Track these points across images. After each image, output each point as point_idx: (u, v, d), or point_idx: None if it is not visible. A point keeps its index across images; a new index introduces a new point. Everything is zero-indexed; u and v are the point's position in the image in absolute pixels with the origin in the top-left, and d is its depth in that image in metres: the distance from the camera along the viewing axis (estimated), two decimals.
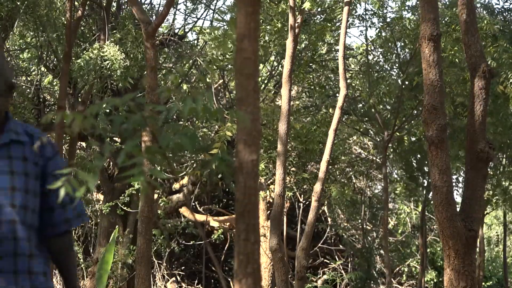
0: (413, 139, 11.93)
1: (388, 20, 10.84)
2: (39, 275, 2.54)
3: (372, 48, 11.54)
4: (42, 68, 10.97)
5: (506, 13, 10.67)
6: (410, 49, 10.75)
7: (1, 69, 2.56)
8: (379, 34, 10.92)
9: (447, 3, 10.98)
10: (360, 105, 12.35)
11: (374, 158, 13.22)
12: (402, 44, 11.03)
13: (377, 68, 11.34)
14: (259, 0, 2.32)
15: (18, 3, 8.54)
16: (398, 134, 11.48)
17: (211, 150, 8.49)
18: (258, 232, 2.35)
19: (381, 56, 11.50)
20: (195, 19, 12.74)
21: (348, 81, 10.54)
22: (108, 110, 11.89)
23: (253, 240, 2.33)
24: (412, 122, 11.26)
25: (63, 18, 9.72)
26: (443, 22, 9.98)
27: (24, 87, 10.65)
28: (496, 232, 19.48)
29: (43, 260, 2.58)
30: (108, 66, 8.90)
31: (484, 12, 10.59)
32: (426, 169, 12.03)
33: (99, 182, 12.17)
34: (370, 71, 10.92)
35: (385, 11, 10.84)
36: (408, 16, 10.81)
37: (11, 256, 2.46)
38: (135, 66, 9.51)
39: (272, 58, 10.96)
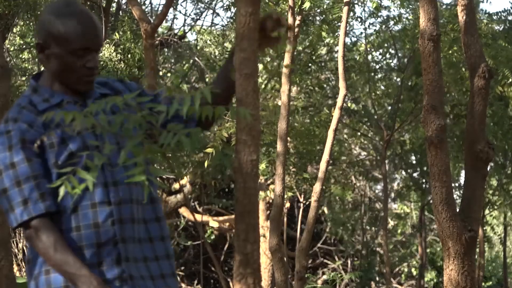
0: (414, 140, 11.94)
1: (387, 20, 10.83)
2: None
3: (371, 48, 11.53)
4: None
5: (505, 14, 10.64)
6: (409, 49, 10.75)
7: None
8: (378, 34, 10.92)
9: (445, 3, 10.99)
10: (360, 105, 12.35)
11: (374, 158, 13.22)
12: (401, 44, 11.03)
13: (376, 66, 11.35)
14: (259, 0, 2.32)
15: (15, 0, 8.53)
16: (397, 135, 11.48)
17: (206, 149, 8.54)
18: (258, 232, 2.35)
19: (380, 57, 11.50)
20: (195, 19, 12.75)
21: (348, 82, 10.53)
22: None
23: (252, 240, 2.33)
24: (412, 123, 11.26)
25: None
26: (441, 22, 9.98)
27: (24, 87, 10.64)
28: (496, 232, 19.47)
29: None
30: (102, 67, 8.88)
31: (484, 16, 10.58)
32: (425, 168, 12.02)
33: None
34: (369, 71, 10.92)
35: (384, 12, 10.84)
36: (406, 16, 10.81)
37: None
38: (134, 66, 9.51)
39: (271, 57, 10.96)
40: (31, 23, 9.72)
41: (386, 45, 11.08)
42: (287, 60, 8.00)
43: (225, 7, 10.50)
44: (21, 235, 12.11)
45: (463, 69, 9.65)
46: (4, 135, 2.25)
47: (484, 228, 13.07)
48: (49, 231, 2.21)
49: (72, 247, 2.23)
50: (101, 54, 8.86)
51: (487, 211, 12.80)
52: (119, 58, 9.03)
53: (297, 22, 7.92)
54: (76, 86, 2.34)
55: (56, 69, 2.33)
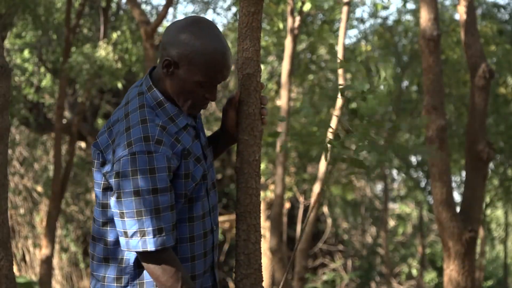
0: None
1: (388, 21, 10.85)
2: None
3: (372, 48, 11.54)
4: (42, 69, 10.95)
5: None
6: (410, 49, 10.75)
7: None
8: (379, 35, 10.94)
9: (445, 5, 10.99)
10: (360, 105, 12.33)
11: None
12: (402, 44, 11.04)
13: (376, 66, 11.34)
14: (262, 0, 2.31)
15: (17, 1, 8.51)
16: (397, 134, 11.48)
17: None
18: (260, 232, 2.34)
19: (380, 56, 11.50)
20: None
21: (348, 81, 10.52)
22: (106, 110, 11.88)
23: (253, 240, 2.32)
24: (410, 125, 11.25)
25: (61, 18, 9.70)
26: (441, 23, 9.98)
27: (23, 86, 10.63)
28: (496, 232, 19.48)
29: None
30: (96, 68, 8.82)
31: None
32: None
33: None
34: (369, 71, 10.92)
35: (385, 13, 10.85)
36: (407, 18, 10.82)
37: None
38: (132, 65, 9.49)
39: (272, 57, 10.97)
40: (30, 23, 9.69)
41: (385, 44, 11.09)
42: (286, 61, 8.01)
43: (226, 8, 10.52)
44: (20, 235, 12.11)
45: (465, 71, 9.65)
46: (145, 156, 2.14)
47: (485, 228, 13.07)
48: (176, 264, 2.20)
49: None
50: (97, 54, 8.82)
51: (488, 211, 12.80)
52: (117, 57, 8.99)
53: (297, 23, 7.93)
54: (186, 110, 2.29)
55: (175, 89, 2.27)
